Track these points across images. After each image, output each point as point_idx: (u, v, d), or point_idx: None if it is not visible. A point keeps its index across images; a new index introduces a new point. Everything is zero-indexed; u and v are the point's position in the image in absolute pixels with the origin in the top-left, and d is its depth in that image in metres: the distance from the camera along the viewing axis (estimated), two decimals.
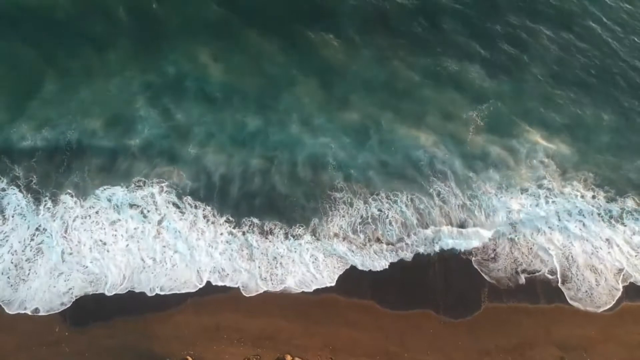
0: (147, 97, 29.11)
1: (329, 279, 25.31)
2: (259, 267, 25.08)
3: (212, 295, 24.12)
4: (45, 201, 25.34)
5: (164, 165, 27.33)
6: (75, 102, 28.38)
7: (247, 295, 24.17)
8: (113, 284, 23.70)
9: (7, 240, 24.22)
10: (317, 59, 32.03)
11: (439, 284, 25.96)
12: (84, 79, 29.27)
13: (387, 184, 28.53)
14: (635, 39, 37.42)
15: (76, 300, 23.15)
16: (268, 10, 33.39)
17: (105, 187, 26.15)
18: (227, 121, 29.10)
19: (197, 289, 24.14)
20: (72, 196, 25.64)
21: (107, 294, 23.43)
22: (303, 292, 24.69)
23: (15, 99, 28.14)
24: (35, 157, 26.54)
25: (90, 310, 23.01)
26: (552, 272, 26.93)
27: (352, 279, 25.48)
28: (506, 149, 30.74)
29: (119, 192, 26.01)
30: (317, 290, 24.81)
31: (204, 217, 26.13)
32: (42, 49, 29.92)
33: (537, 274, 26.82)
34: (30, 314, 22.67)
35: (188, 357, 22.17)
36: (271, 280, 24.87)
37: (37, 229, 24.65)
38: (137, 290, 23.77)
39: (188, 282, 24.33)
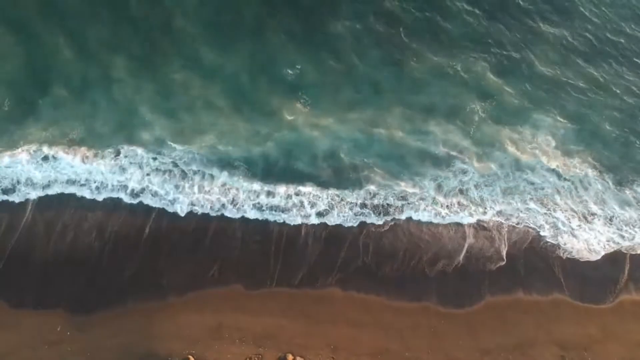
0: None
1: None
2: None
3: (212, 290, 23.97)
4: None
5: None
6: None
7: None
8: None
9: None
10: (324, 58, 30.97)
11: (439, 275, 26.00)
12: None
13: None
14: None
15: (77, 299, 23.03)
16: None
17: None
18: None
19: None
20: None
21: None
22: (303, 289, 24.61)
23: None
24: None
25: (92, 309, 22.93)
26: None
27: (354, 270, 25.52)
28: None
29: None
30: (317, 286, 24.75)
31: None
32: None
33: None
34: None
35: (190, 357, 22.27)
36: None
37: None
38: None
39: None
